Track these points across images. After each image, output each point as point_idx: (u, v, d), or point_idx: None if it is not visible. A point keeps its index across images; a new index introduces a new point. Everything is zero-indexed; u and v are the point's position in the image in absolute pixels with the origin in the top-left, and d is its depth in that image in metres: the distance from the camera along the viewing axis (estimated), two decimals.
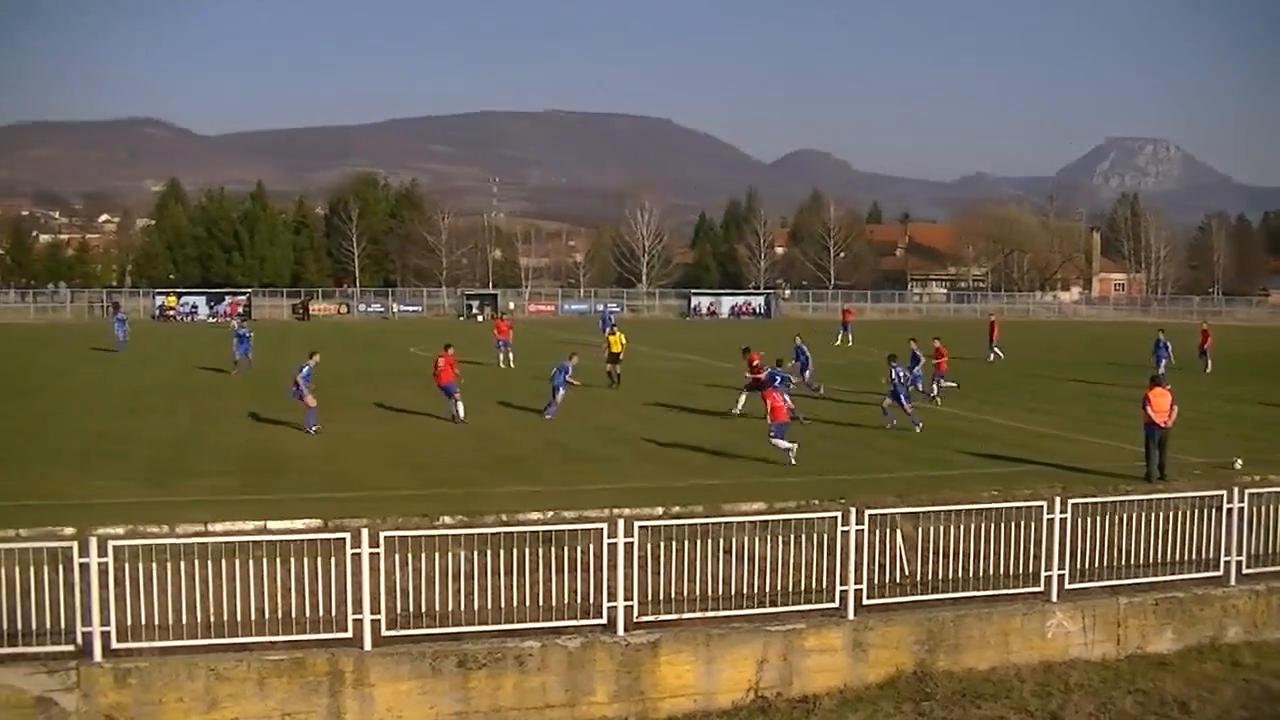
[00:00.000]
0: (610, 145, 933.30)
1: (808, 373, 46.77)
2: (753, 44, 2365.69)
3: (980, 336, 67.81)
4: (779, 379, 36.90)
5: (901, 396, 37.67)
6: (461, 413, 38.66)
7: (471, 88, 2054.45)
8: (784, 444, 31.00)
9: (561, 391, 40.01)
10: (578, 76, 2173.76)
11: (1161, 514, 21.30)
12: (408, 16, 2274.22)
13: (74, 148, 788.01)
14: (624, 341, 50.96)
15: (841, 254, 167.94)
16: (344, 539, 17.60)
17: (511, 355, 58.93)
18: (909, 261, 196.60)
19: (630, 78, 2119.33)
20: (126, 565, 16.94)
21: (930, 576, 19.96)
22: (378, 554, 17.46)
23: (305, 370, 36.57)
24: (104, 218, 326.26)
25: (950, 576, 19.97)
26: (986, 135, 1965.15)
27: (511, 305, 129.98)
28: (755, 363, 40.78)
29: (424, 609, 17.81)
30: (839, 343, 74.15)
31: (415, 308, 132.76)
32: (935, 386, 44.86)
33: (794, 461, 30.67)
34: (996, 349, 65.32)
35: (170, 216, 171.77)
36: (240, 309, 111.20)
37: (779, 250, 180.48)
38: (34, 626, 16.68)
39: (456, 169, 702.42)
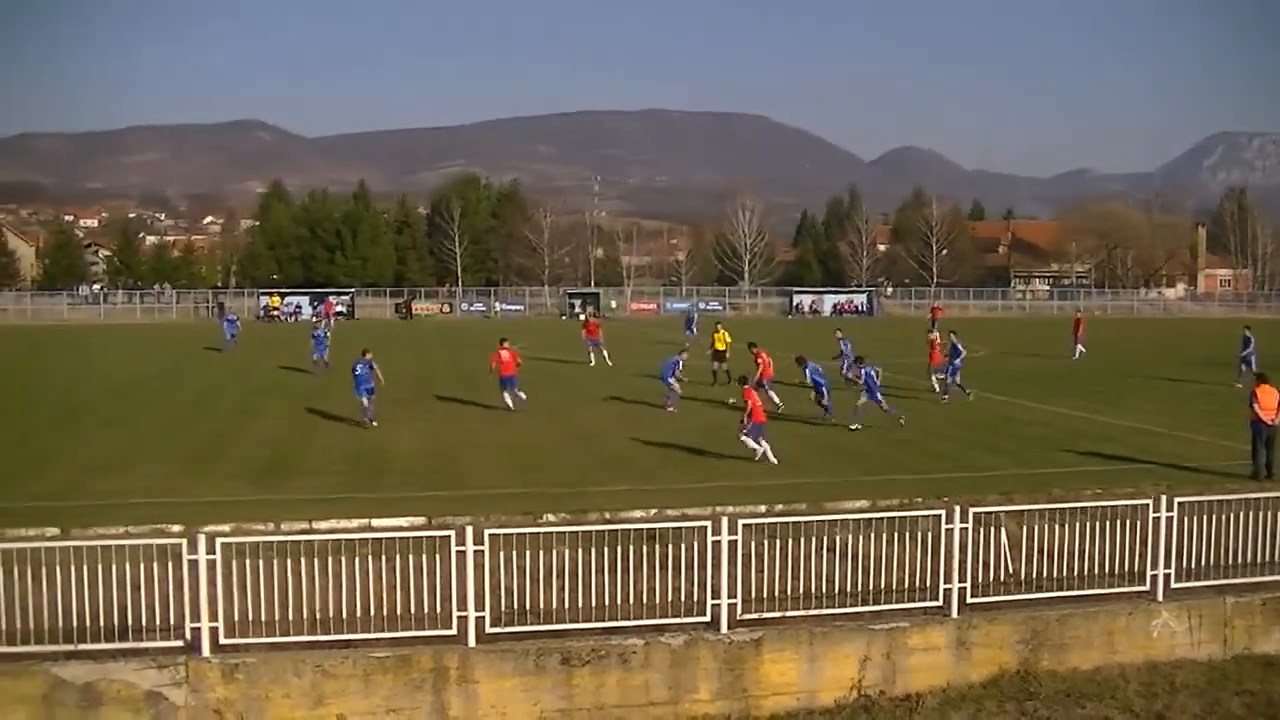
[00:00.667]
0: (710, 143, 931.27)
1: (848, 370, 46.39)
2: (850, 41, 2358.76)
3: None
4: (812, 369, 37.56)
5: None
6: (514, 401, 40.07)
7: (572, 88, 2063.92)
8: (752, 444, 30.75)
9: (672, 383, 40.29)
10: (677, 75, 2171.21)
11: (1269, 513, 20.95)
12: (508, 18, 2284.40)
13: (180, 150, 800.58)
14: (729, 339, 50.73)
15: (944, 251, 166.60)
16: (448, 536, 17.71)
17: (606, 354, 58.95)
18: (1012, 258, 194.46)
19: (730, 75, 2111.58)
20: (234, 562, 17.14)
21: (1034, 575, 19.80)
22: (482, 551, 17.57)
23: (368, 366, 37.09)
24: (209, 219, 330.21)
25: (1054, 575, 19.79)
26: (1088, 131, 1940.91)
27: (613, 304, 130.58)
28: (761, 361, 41.03)
29: (528, 606, 17.91)
30: None
31: (517, 307, 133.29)
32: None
33: (774, 461, 30.54)
34: (1081, 346, 64.67)
35: (273, 217, 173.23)
36: (334, 310, 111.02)
37: (881, 248, 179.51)
38: (144, 622, 16.91)
39: (558, 168, 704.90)
